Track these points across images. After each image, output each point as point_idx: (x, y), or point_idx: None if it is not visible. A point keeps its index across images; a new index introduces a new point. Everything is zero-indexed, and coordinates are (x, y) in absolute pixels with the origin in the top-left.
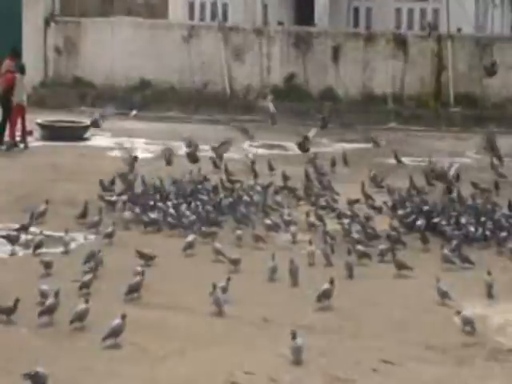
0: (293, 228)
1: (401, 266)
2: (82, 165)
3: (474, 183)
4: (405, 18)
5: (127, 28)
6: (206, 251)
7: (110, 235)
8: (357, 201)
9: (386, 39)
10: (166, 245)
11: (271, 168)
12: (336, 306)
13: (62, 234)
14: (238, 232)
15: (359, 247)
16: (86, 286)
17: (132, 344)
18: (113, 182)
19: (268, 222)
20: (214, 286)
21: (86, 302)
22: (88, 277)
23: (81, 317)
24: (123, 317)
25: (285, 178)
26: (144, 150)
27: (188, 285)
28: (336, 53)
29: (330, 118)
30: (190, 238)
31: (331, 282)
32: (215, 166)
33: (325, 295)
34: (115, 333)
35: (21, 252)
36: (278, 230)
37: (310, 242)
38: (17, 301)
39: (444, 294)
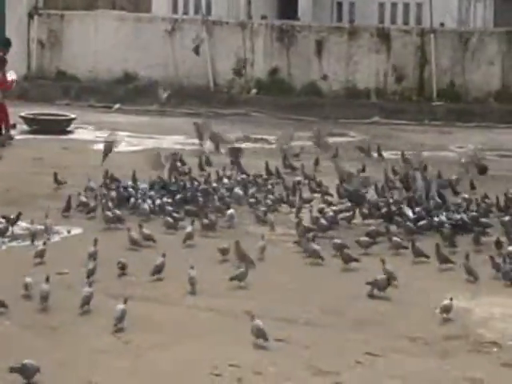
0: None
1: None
2: (66, 158)
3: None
4: (388, 12)
5: (111, 21)
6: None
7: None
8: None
9: (370, 34)
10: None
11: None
12: (318, 298)
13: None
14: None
15: (336, 240)
16: (91, 273)
17: (115, 336)
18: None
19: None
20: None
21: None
22: (92, 264)
23: (89, 300)
24: (125, 301)
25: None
26: (127, 143)
27: (170, 277)
28: (319, 47)
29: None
30: (189, 228)
31: None
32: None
33: None
34: (122, 318)
35: (4, 245)
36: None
37: (263, 237)
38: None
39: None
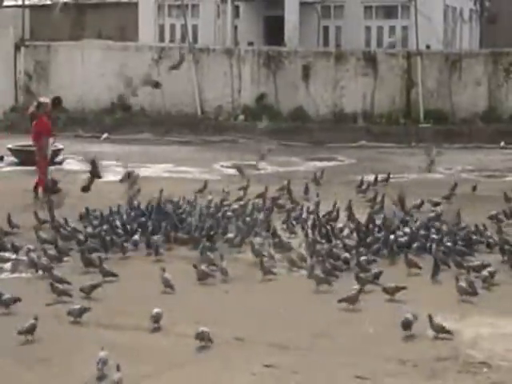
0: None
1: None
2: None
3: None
4: (374, 35)
5: (97, 51)
6: (174, 271)
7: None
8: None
9: (356, 57)
10: (133, 266)
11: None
12: (308, 323)
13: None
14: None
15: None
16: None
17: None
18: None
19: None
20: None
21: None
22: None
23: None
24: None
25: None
26: (115, 173)
27: (157, 305)
28: (306, 72)
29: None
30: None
31: None
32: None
33: None
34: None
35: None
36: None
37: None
38: None
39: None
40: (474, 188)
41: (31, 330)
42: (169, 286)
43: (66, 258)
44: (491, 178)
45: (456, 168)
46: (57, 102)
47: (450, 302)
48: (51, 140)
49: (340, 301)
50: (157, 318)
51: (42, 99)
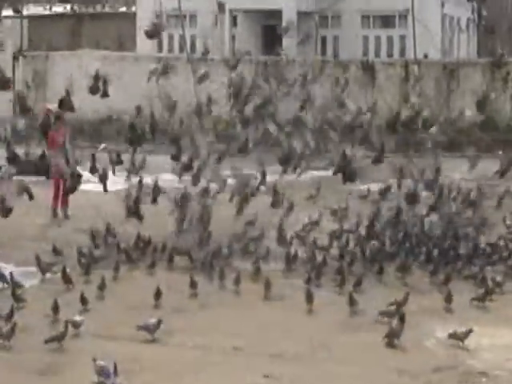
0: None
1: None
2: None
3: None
4: (372, 45)
5: (95, 61)
6: (168, 284)
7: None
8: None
9: (354, 67)
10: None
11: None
12: (306, 333)
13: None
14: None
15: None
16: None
17: None
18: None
19: None
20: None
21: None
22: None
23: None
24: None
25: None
26: (113, 182)
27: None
28: (304, 81)
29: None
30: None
31: None
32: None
33: None
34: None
35: None
36: None
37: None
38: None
39: None
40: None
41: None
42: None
43: None
44: (491, 188)
45: (454, 176)
46: (65, 102)
47: (450, 311)
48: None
49: (386, 337)
50: (154, 329)
51: (51, 106)
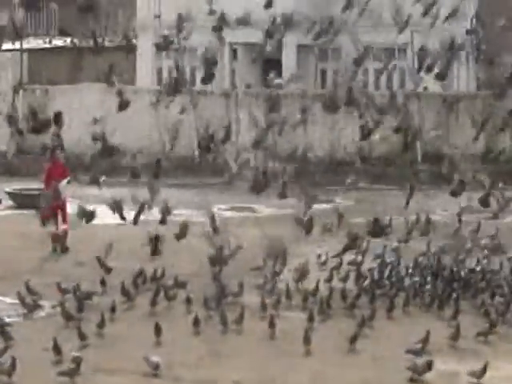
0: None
1: None
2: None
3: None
4: (371, 77)
5: (95, 94)
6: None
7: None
8: None
9: None
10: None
11: None
12: (305, 365)
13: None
14: None
15: None
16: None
17: None
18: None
19: None
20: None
21: None
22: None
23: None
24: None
25: None
26: (113, 216)
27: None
28: (304, 114)
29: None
30: None
31: None
32: None
33: None
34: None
35: None
36: None
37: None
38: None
39: None
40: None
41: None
42: None
43: None
44: (488, 220)
45: (453, 210)
46: (59, 117)
47: (449, 345)
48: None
49: (409, 368)
50: (156, 366)
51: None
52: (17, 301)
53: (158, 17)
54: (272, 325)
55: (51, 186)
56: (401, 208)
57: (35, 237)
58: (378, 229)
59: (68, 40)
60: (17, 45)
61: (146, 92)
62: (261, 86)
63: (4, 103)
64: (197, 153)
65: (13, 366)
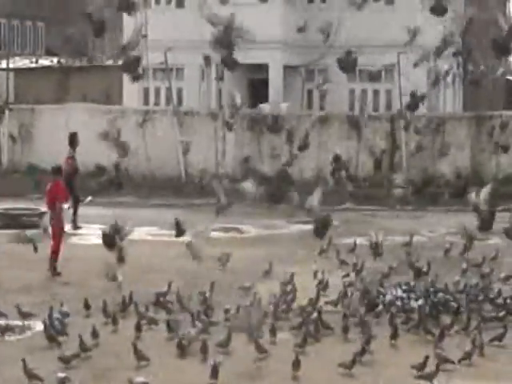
0: None
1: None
2: (37, 252)
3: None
4: (358, 98)
5: (82, 114)
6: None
7: None
8: None
9: (340, 121)
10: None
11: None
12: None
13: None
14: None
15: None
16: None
17: None
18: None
19: None
20: None
21: None
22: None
23: None
24: None
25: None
26: (99, 236)
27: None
28: (290, 135)
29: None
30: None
31: None
32: None
33: None
34: None
35: None
36: None
37: None
38: None
39: None
40: (447, 251)
41: None
42: None
43: None
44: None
45: (440, 231)
46: (75, 138)
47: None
48: (66, 205)
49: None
50: None
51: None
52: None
53: (145, 36)
54: (260, 348)
55: (56, 207)
56: (384, 228)
57: (21, 256)
58: None
59: (55, 60)
60: (3, 64)
61: (133, 112)
62: (247, 106)
63: None
64: (183, 173)
65: None
